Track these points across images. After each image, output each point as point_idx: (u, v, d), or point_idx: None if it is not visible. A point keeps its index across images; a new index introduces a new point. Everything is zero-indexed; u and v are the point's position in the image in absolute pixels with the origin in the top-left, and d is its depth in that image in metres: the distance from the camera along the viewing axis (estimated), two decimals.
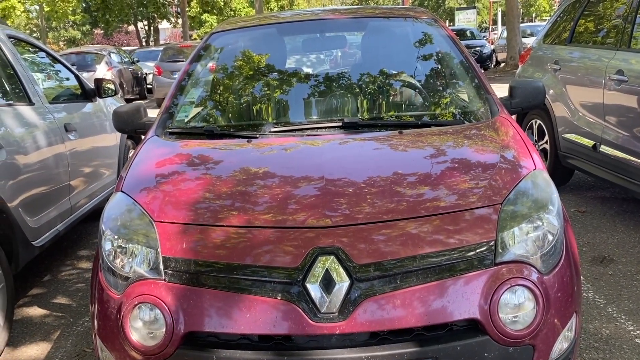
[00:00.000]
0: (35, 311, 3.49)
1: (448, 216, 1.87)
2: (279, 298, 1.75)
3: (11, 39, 3.89)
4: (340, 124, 2.54)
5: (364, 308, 1.72)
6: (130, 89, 16.67)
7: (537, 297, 1.77)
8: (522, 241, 1.86)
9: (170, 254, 1.88)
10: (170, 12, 40.69)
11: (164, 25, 48.04)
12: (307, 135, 2.50)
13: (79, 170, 4.17)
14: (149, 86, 18.31)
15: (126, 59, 17.83)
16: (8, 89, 3.79)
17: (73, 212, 4.05)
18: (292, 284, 1.76)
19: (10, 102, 3.64)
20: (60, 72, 4.74)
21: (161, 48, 18.80)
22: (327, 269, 1.76)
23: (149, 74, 18.20)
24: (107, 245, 2.02)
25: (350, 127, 2.50)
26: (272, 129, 2.58)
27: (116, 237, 2.00)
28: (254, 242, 1.84)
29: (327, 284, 1.74)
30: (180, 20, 37.01)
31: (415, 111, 2.83)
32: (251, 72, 3.17)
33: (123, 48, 23.12)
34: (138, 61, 19.44)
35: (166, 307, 1.80)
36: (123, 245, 1.98)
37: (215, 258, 1.83)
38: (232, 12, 38.91)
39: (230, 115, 2.97)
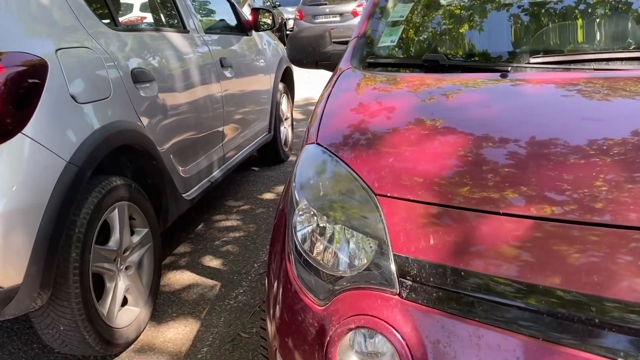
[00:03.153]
0: (181, 276, 2.99)
1: None
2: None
3: None
4: None
5: None
6: None
7: None
8: None
9: (407, 253, 1.15)
10: None
11: None
12: (589, 70, 1.64)
13: (234, 114, 3.60)
14: (288, 32, 17.86)
15: (267, 3, 17.45)
16: (160, 13, 3.25)
17: (225, 161, 3.51)
18: None
19: (162, 27, 3.09)
20: None
21: None
22: None
23: (290, 19, 17.71)
24: (301, 226, 1.34)
25: None
26: (533, 60, 1.73)
27: (317, 213, 1.32)
28: (562, 251, 1.06)
29: None
30: None
31: None
32: None
33: None
34: (280, 5, 19.00)
35: (402, 341, 1.09)
36: (327, 227, 1.29)
37: (496, 271, 1.07)
38: None
39: (457, 40, 2.13)
